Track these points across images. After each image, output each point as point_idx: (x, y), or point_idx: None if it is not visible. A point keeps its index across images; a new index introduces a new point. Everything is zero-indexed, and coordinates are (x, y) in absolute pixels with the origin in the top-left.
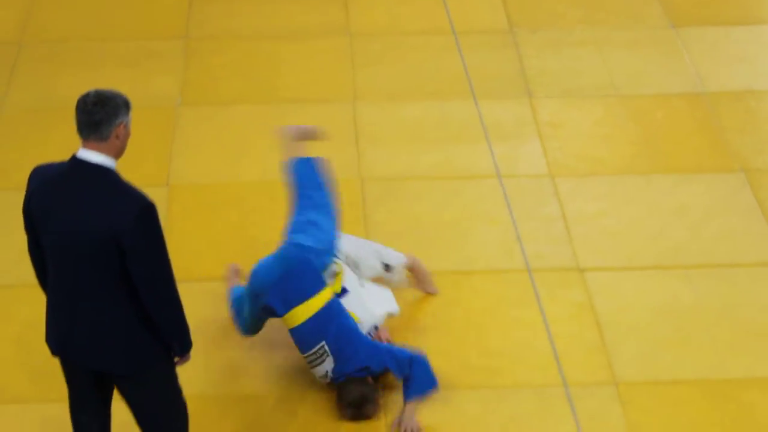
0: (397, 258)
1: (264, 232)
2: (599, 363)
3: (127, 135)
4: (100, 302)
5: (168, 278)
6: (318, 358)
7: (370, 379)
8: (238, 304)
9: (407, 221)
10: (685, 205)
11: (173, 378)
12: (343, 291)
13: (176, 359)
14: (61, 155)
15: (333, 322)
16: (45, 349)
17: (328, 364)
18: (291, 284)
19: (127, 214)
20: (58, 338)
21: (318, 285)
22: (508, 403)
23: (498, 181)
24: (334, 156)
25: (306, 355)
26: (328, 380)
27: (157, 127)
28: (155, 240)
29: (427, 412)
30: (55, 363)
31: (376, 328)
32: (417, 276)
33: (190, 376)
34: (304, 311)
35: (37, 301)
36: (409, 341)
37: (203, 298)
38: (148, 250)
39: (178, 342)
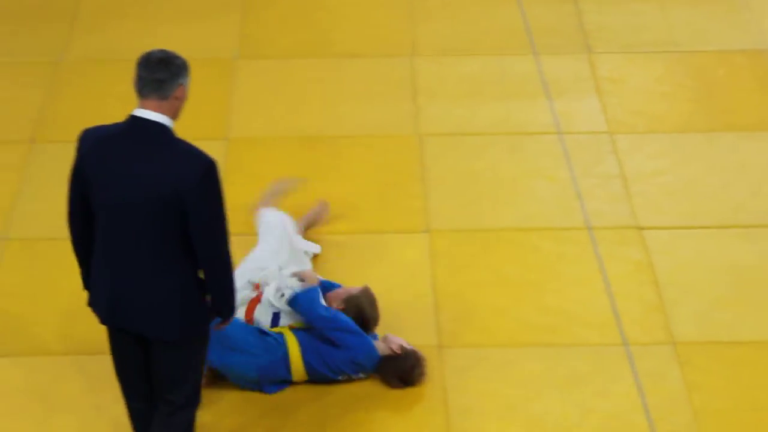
0: (302, 262)
1: (321, 187)
2: (657, 322)
3: (184, 97)
4: (158, 266)
5: (226, 239)
6: (349, 378)
7: (402, 350)
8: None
9: (465, 177)
10: (745, 164)
11: (207, 345)
12: (276, 316)
13: (218, 323)
14: (120, 108)
15: (323, 354)
16: None
17: (362, 375)
18: (270, 372)
19: (192, 173)
20: (109, 304)
21: (280, 349)
22: (566, 361)
23: (556, 138)
24: (391, 111)
25: (339, 379)
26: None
27: (215, 81)
28: (217, 199)
29: (484, 370)
30: None
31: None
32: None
33: None
34: (297, 369)
35: None
36: (467, 297)
37: None
38: (210, 209)
39: (227, 305)
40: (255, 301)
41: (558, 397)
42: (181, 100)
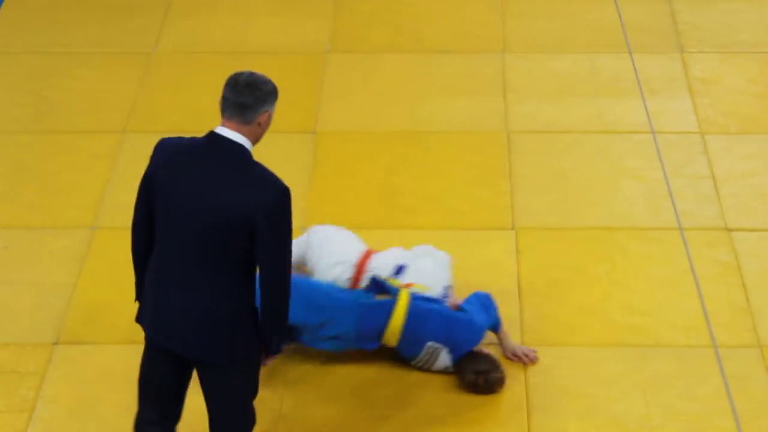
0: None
1: (408, 182)
2: (744, 325)
3: (268, 124)
4: (215, 286)
5: (288, 267)
6: (431, 356)
7: (485, 351)
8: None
9: (553, 175)
10: None
11: (258, 373)
12: (400, 268)
13: (266, 357)
14: (210, 100)
15: (426, 320)
16: None
17: (444, 357)
18: (366, 324)
19: (266, 197)
20: (157, 321)
21: (388, 305)
22: (651, 362)
23: (646, 137)
24: (480, 108)
25: (417, 361)
26: (452, 370)
27: (306, 74)
28: (287, 225)
29: (567, 369)
30: None
31: (448, 288)
32: None
33: None
34: (392, 332)
35: None
36: (552, 295)
37: None
38: (278, 235)
39: (278, 336)
40: (367, 256)
41: (642, 399)
42: (263, 126)
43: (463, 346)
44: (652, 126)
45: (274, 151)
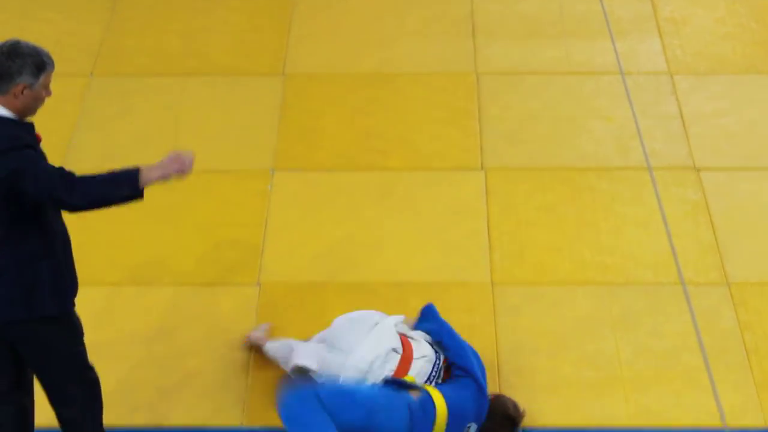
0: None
1: (378, 124)
2: (712, 263)
3: (32, 97)
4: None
5: (59, 178)
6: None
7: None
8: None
9: (522, 116)
10: None
11: (75, 336)
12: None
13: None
14: (178, 43)
15: (462, 405)
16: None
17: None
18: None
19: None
20: None
21: (428, 403)
22: (620, 300)
23: (615, 78)
24: (449, 49)
25: None
26: None
27: (274, 16)
28: (28, 159)
29: (537, 308)
30: None
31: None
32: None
33: None
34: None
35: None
36: (521, 235)
37: (316, 185)
38: (29, 166)
39: (127, 190)
40: (407, 361)
41: (611, 336)
42: (22, 100)
43: (484, 414)
44: (621, 67)
45: (243, 94)
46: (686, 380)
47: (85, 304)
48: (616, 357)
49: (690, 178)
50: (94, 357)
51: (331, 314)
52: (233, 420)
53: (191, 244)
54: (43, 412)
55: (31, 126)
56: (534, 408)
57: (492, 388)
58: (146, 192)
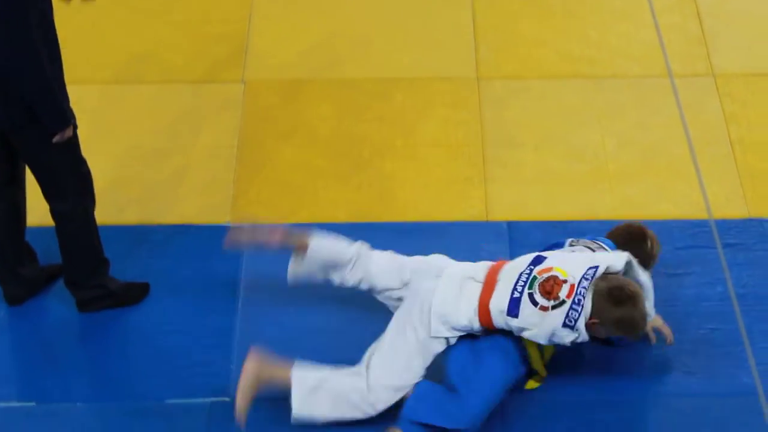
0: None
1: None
2: (699, 54)
3: None
4: None
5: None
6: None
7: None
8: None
9: None
10: None
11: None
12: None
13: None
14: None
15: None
16: None
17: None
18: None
19: None
20: None
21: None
22: (606, 92)
23: None
24: None
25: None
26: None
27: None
28: None
29: (523, 101)
30: None
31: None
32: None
33: None
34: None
35: None
36: (507, 28)
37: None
38: None
39: (48, 114)
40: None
41: (597, 128)
42: None
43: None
44: None
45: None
46: (672, 172)
47: (73, 104)
48: (601, 149)
49: None
50: (83, 155)
51: (315, 111)
52: (220, 217)
53: (177, 41)
54: (35, 210)
55: None
56: (519, 201)
57: (478, 181)
58: None
